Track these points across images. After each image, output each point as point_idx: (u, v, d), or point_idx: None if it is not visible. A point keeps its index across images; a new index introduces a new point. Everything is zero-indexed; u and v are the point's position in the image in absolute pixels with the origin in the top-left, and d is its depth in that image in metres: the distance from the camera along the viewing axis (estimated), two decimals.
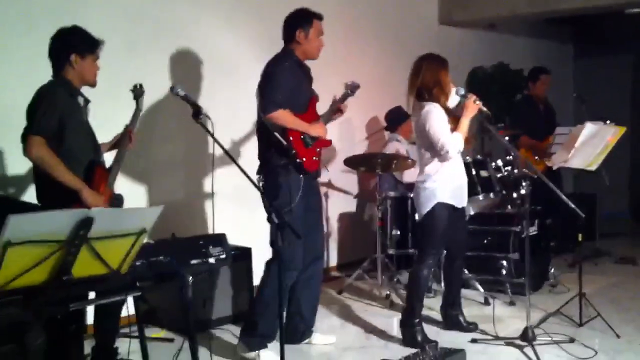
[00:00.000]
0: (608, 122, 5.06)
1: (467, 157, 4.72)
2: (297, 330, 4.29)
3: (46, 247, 2.37)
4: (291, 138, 3.98)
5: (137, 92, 3.90)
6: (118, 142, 3.82)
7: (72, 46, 3.45)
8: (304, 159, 4.00)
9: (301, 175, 4.00)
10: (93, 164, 3.49)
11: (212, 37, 5.30)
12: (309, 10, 4.10)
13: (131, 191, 4.50)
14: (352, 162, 5.60)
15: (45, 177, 3.33)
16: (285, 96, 3.93)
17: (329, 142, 4.23)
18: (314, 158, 4.11)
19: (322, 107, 4.25)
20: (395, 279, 5.59)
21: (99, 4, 4.58)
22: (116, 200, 3.56)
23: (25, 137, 3.32)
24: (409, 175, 5.80)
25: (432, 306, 4.88)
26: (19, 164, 3.96)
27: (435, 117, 4.10)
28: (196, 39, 5.16)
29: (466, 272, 5.18)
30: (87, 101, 3.60)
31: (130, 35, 4.74)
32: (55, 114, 3.31)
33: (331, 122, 4.32)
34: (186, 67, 5.12)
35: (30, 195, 3.88)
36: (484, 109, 4.17)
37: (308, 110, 4.12)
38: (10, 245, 2.25)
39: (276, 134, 3.79)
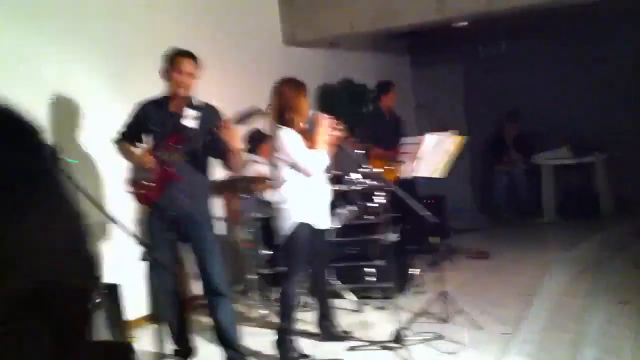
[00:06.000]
0: (449, 132, 5.44)
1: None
2: None
3: None
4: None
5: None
6: None
7: None
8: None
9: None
10: None
11: None
12: (173, 51, 4.20)
13: None
14: (215, 188, 5.60)
15: None
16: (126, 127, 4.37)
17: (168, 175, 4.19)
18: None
19: None
20: (271, 298, 5.67)
21: None
22: None
23: None
24: (272, 194, 5.90)
25: (308, 320, 5.02)
26: None
27: (288, 141, 4.19)
28: None
29: (338, 282, 5.36)
30: None
31: None
32: None
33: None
34: None
35: None
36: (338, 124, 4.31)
37: (166, 140, 4.18)
38: None
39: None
